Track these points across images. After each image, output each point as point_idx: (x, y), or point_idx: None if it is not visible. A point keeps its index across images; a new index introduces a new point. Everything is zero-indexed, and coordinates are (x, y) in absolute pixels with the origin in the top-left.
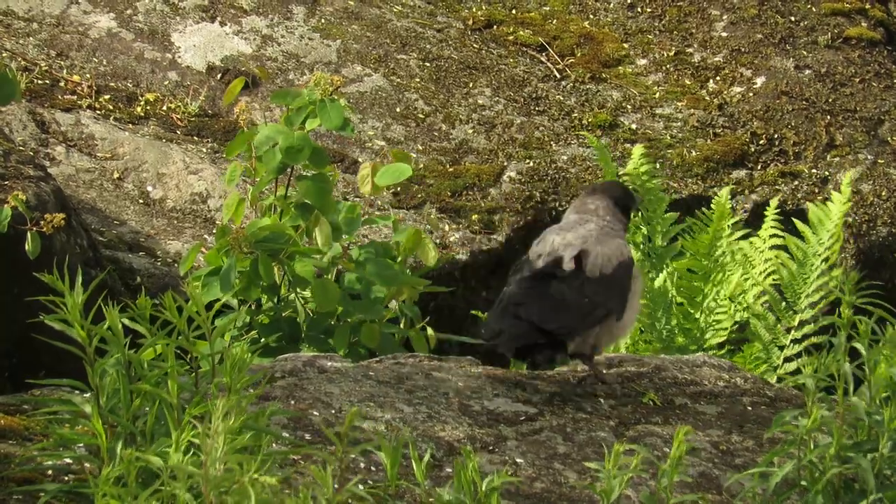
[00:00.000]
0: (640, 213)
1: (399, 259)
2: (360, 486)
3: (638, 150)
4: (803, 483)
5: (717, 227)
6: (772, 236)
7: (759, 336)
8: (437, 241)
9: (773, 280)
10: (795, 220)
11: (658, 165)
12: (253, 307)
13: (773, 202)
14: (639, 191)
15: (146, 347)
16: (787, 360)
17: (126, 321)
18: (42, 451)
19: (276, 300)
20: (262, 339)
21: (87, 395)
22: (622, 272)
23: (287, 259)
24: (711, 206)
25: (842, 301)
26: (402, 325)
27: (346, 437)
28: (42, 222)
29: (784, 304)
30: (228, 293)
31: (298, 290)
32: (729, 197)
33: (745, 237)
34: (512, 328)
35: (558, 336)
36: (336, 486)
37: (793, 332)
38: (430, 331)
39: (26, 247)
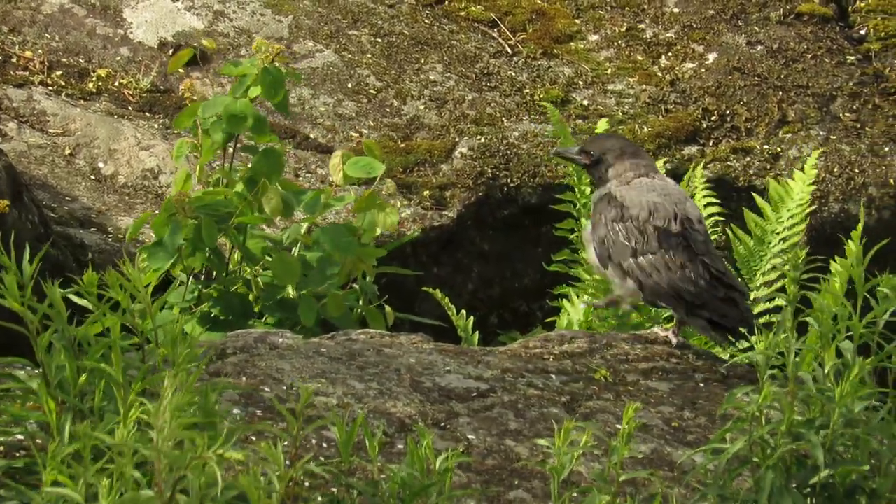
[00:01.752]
0: None
1: (357, 227)
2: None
3: (602, 123)
4: (755, 459)
5: None
6: (706, 205)
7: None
8: None
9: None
10: (755, 196)
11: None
12: (203, 278)
13: (699, 171)
14: None
15: (89, 322)
16: None
17: (73, 297)
18: None
19: (224, 272)
20: (212, 313)
21: (37, 371)
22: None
23: (235, 232)
24: None
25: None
26: (360, 303)
27: (301, 414)
28: None
29: (740, 280)
30: (172, 262)
31: (252, 264)
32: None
33: None
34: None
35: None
36: (288, 463)
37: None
38: (388, 309)
39: None
